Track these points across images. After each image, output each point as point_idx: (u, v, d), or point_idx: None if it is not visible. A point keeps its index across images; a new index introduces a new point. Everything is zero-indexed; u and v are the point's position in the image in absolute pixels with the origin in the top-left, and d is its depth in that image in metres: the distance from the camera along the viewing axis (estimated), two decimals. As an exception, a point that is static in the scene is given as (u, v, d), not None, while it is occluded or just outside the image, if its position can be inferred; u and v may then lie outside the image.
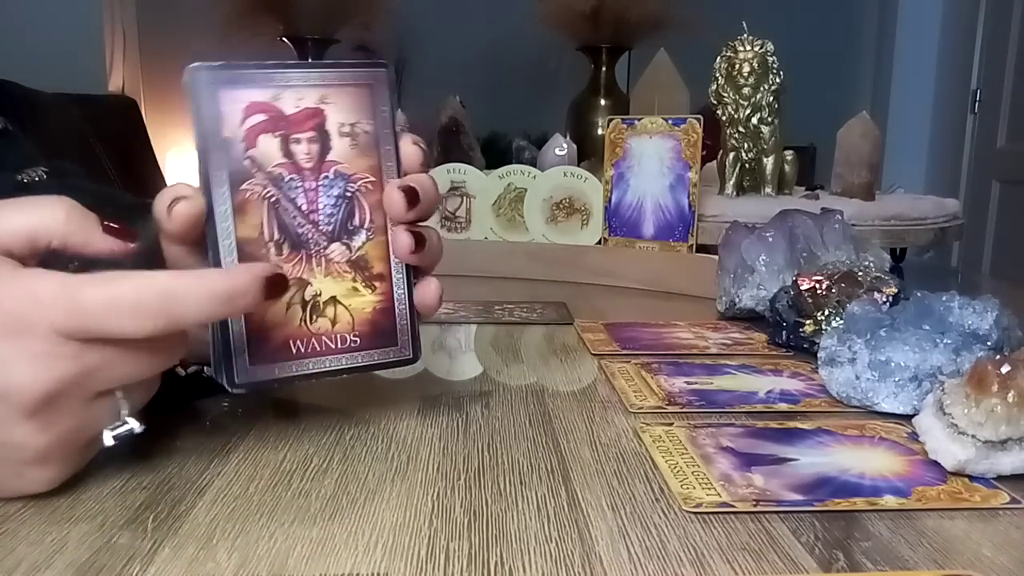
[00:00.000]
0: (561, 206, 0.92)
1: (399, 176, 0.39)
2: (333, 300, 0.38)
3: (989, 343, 0.45)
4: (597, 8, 1.44)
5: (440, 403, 0.46)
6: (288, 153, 0.37)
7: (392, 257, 0.40)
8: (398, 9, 1.89)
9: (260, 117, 0.36)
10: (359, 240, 0.39)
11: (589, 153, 1.28)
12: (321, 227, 0.38)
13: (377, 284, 0.39)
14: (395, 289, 0.40)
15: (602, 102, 1.47)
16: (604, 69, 1.49)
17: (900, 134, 2.97)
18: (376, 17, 1.78)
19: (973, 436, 0.35)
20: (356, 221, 0.39)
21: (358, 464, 0.37)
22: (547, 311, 0.73)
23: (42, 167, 0.48)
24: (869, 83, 3.31)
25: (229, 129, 0.36)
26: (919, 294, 0.48)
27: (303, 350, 0.38)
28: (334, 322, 0.38)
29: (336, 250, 0.38)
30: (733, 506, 0.33)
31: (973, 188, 2.79)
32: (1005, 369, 0.36)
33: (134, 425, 0.33)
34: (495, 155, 1.35)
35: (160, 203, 0.34)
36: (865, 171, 0.96)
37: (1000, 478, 0.36)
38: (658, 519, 0.32)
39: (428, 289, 0.41)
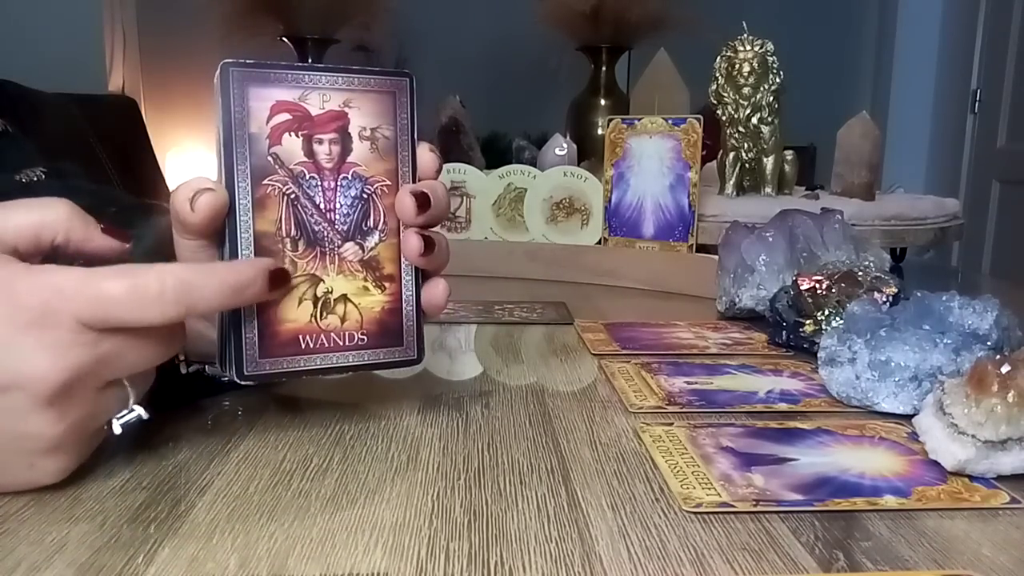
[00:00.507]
0: (561, 206, 0.92)
1: (414, 181, 0.40)
2: (344, 298, 0.39)
3: (989, 343, 0.45)
4: (597, 8, 1.44)
5: (440, 403, 0.46)
6: (310, 152, 0.38)
7: (402, 259, 0.40)
8: (398, 9, 1.88)
9: (286, 116, 0.37)
10: (372, 241, 0.40)
11: (589, 153, 1.28)
12: (337, 226, 0.39)
13: (387, 284, 0.40)
14: (404, 290, 0.40)
15: (602, 102, 1.47)
16: (604, 69, 1.49)
17: (900, 134, 2.97)
18: (376, 17, 1.78)
19: (973, 436, 0.35)
20: (371, 222, 0.39)
21: (358, 464, 0.37)
22: (547, 311, 0.73)
23: (41, 167, 0.48)
24: (869, 83, 3.31)
25: (255, 125, 0.37)
26: (919, 294, 0.48)
27: (312, 346, 0.38)
28: (343, 319, 0.39)
29: (350, 249, 0.39)
30: (733, 506, 0.33)
31: (973, 188, 2.79)
32: (1005, 369, 0.36)
33: (141, 412, 0.34)
34: (495, 155, 1.35)
35: (181, 196, 0.35)
36: (865, 171, 0.96)
37: (1000, 478, 0.36)
38: (658, 519, 0.32)
39: (436, 290, 0.42)
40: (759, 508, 0.33)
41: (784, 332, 0.60)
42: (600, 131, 1.31)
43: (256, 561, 0.28)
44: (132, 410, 0.34)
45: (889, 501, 0.34)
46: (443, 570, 0.28)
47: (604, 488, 0.35)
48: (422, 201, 0.39)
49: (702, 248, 0.84)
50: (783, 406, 0.46)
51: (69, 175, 0.50)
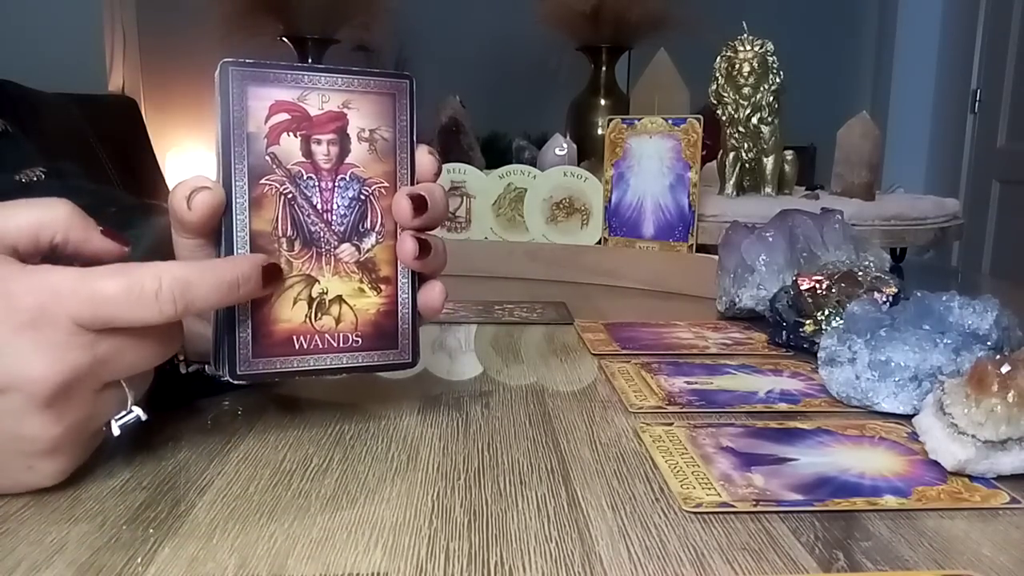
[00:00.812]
0: (561, 206, 0.92)
1: (412, 184, 0.40)
2: (339, 299, 0.39)
3: (989, 343, 0.45)
4: (597, 8, 1.44)
5: (440, 403, 0.46)
6: (308, 153, 0.38)
7: (399, 261, 0.40)
8: (398, 9, 1.89)
9: (284, 116, 0.37)
10: (369, 242, 0.39)
11: (589, 153, 1.28)
12: (333, 227, 0.39)
13: (383, 287, 0.40)
14: (400, 293, 0.40)
15: (602, 102, 1.47)
16: (604, 69, 1.49)
17: (900, 134, 2.97)
18: (376, 17, 1.78)
19: (973, 436, 0.35)
20: (368, 224, 0.39)
21: (358, 464, 0.37)
22: (547, 311, 0.73)
23: (41, 167, 0.48)
24: (869, 83, 3.31)
25: (254, 124, 0.37)
26: (919, 294, 0.48)
27: (306, 346, 0.38)
28: (338, 321, 0.39)
29: (346, 250, 0.39)
30: (733, 506, 0.33)
31: (973, 188, 2.79)
32: (1005, 369, 0.36)
33: (139, 413, 0.34)
34: (495, 155, 1.35)
35: (178, 194, 0.35)
36: (865, 171, 0.96)
37: (1000, 478, 0.36)
38: (658, 519, 0.32)
39: (432, 292, 0.41)
40: (759, 508, 0.33)
41: (784, 332, 0.60)
42: (600, 131, 1.31)
43: (256, 561, 0.28)
44: (131, 411, 0.34)
45: (889, 501, 0.34)
46: (443, 570, 0.28)
47: (604, 488, 0.35)
48: (418, 204, 0.39)
49: (702, 248, 0.83)
50: (783, 406, 0.46)
51: (69, 175, 0.50)
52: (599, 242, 0.90)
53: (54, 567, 0.28)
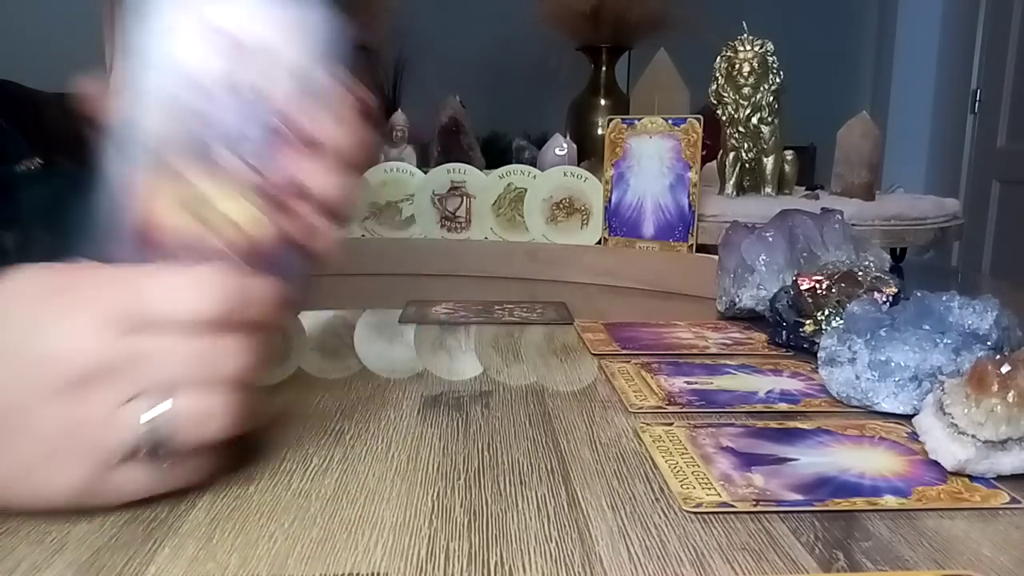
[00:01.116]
0: (561, 206, 0.92)
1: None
2: (229, 218, 0.35)
3: (989, 343, 0.45)
4: (597, 8, 1.44)
5: (440, 403, 0.46)
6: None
7: None
8: (398, 9, 1.88)
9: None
10: (274, 172, 0.35)
11: (589, 153, 1.28)
12: (241, 149, 0.35)
13: (278, 217, 0.36)
14: (293, 228, 0.36)
15: (602, 102, 1.47)
16: (604, 69, 1.48)
17: (900, 134, 2.97)
18: (376, 17, 1.78)
19: (973, 436, 0.35)
20: (276, 154, 0.35)
21: (358, 464, 0.37)
22: (547, 311, 0.73)
23: (38, 159, 0.48)
24: (869, 83, 3.31)
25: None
26: (919, 294, 0.48)
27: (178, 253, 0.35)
28: (221, 236, 0.35)
29: (249, 174, 0.35)
30: (733, 506, 0.33)
31: (973, 188, 2.80)
32: (1005, 369, 0.36)
33: (165, 410, 0.30)
34: (495, 155, 1.35)
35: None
36: (865, 171, 0.96)
37: (1000, 478, 0.36)
38: (658, 519, 0.32)
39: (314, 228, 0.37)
40: (759, 508, 0.33)
41: (784, 332, 0.60)
42: (600, 131, 1.30)
43: (256, 561, 0.28)
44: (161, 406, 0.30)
45: (889, 501, 0.34)
46: (443, 570, 0.28)
47: (604, 488, 0.35)
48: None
49: (702, 248, 0.84)
50: (783, 406, 0.46)
51: (67, 165, 0.50)
52: (599, 242, 0.90)
53: (54, 567, 0.28)
